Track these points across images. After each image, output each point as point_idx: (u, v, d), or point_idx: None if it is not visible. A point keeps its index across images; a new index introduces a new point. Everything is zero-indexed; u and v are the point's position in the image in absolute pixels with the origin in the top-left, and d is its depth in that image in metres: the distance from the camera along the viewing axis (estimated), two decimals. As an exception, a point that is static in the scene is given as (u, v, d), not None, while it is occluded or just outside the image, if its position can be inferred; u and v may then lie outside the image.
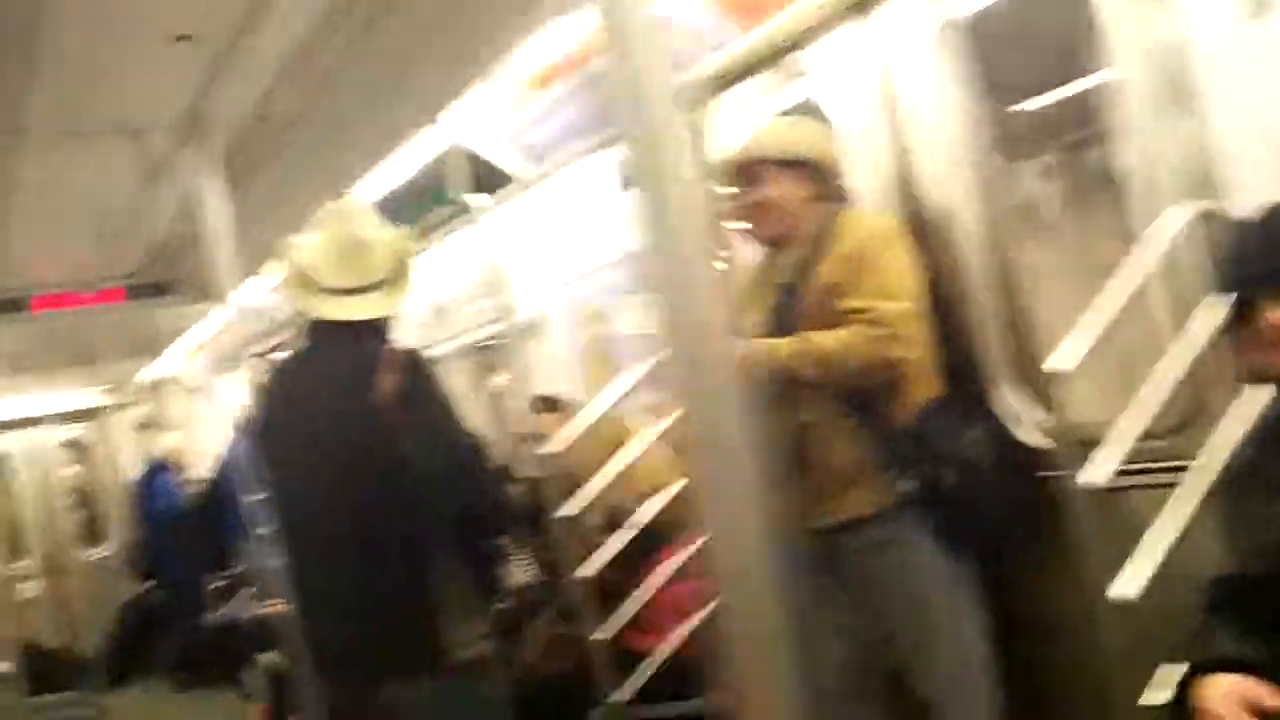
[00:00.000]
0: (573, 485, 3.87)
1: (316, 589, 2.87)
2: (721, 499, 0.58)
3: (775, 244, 3.06)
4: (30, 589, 9.92)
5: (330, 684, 2.97)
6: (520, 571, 4.25)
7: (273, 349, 4.99)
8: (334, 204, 2.96)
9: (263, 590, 6.69)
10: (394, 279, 2.90)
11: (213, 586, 7.91)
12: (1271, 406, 2.25)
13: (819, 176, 3.04)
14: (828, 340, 2.83)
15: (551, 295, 4.82)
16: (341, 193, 4.98)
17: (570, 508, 3.65)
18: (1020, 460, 2.91)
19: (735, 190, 3.00)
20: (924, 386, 2.86)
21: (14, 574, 9.27)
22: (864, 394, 2.89)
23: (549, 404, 4.16)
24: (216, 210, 3.74)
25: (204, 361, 9.51)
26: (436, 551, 2.75)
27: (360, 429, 2.70)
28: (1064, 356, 2.27)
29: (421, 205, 5.04)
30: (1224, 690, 1.73)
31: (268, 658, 6.59)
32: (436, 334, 5.56)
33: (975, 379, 3.01)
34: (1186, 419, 2.60)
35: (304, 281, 2.87)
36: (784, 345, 2.88)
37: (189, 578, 8.19)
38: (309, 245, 2.89)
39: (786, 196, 3.00)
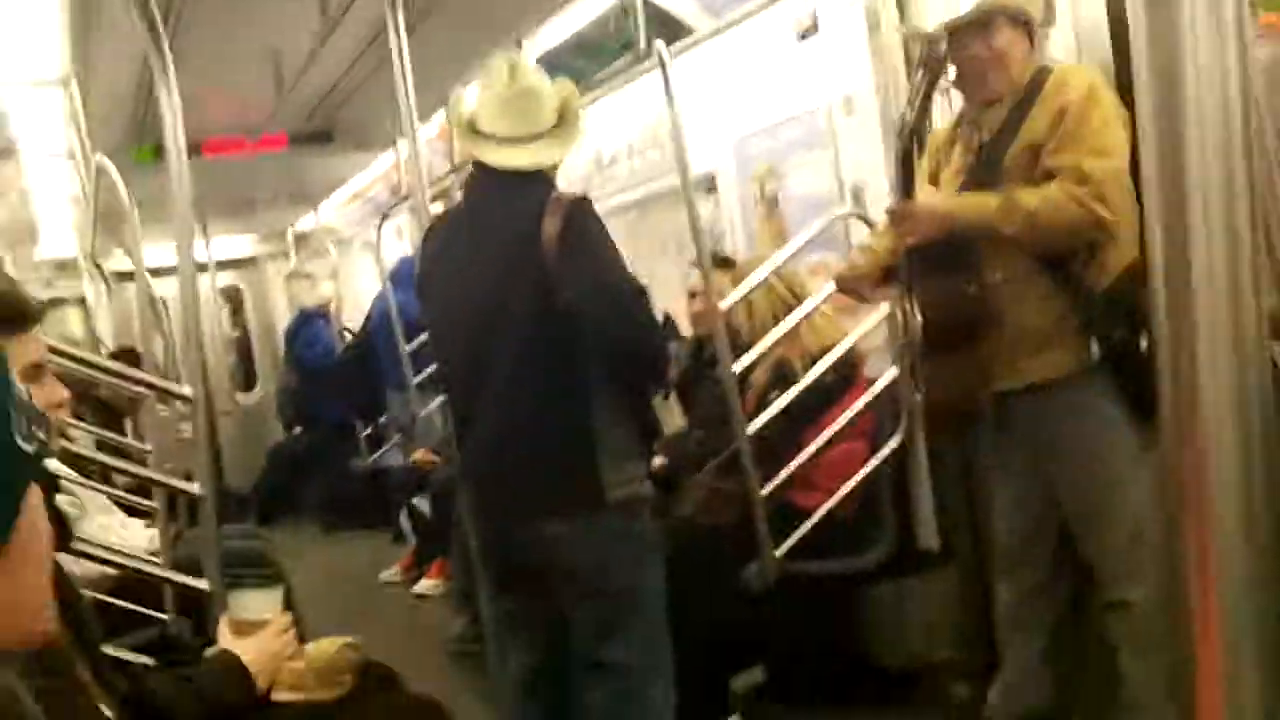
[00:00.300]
0: (741, 342, 3.89)
1: (475, 429, 2.94)
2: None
3: (988, 100, 2.98)
4: (186, 429, 10.27)
5: (486, 522, 3.05)
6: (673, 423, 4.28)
7: (434, 199, 5.03)
8: (500, 56, 2.96)
9: (411, 438, 6.92)
10: (561, 128, 2.91)
11: (363, 434, 8.17)
12: None
13: (1034, 34, 2.95)
14: (1033, 197, 2.77)
15: (724, 151, 4.78)
16: (515, 43, 4.99)
17: (740, 364, 3.67)
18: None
19: (959, 43, 2.90)
20: (1126, 249, 2.78)
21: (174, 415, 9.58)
22: (1062, 254, 2.83)
23: (721, 261, 4.14)
24: (397, 57, 3.75)
25: (360, 211, 9.67)
26: (596, 394, 2.79)
27: (524, 274, 2.73)
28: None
29: (596, 55, 5.01)
30: None
31: (415, 503, 6.83)
32: (604, 187, 5.56)
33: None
34: None
35: (471, 131, 2.89)
36: (990, 200, 2.82)
37: (339, 424, 8.47)
38: (476, 95, 2.91)
39: (1014, 52, 2.92)
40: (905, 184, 2.96)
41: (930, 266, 2.94)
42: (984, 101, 2.99)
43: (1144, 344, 2.78)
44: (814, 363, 3.82)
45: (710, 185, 4.84)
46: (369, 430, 8.16)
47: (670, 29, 4.55)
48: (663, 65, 3.43)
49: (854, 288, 3.30)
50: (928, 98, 2.80)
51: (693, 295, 4.20)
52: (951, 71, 2.85)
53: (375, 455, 8.03)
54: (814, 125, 4.19)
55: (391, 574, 6.93)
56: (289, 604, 2.62)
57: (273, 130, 6.94)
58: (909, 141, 2.93)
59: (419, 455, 6.59)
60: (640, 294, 2.83)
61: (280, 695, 2.31)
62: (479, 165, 2.91)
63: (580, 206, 2.76)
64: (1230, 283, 0.59)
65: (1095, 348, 2.84)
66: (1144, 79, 0.55)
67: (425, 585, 6.41)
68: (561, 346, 2.74)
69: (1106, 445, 2.87)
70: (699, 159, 4.75)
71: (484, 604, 3.76)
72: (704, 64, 4.69)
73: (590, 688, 2.90)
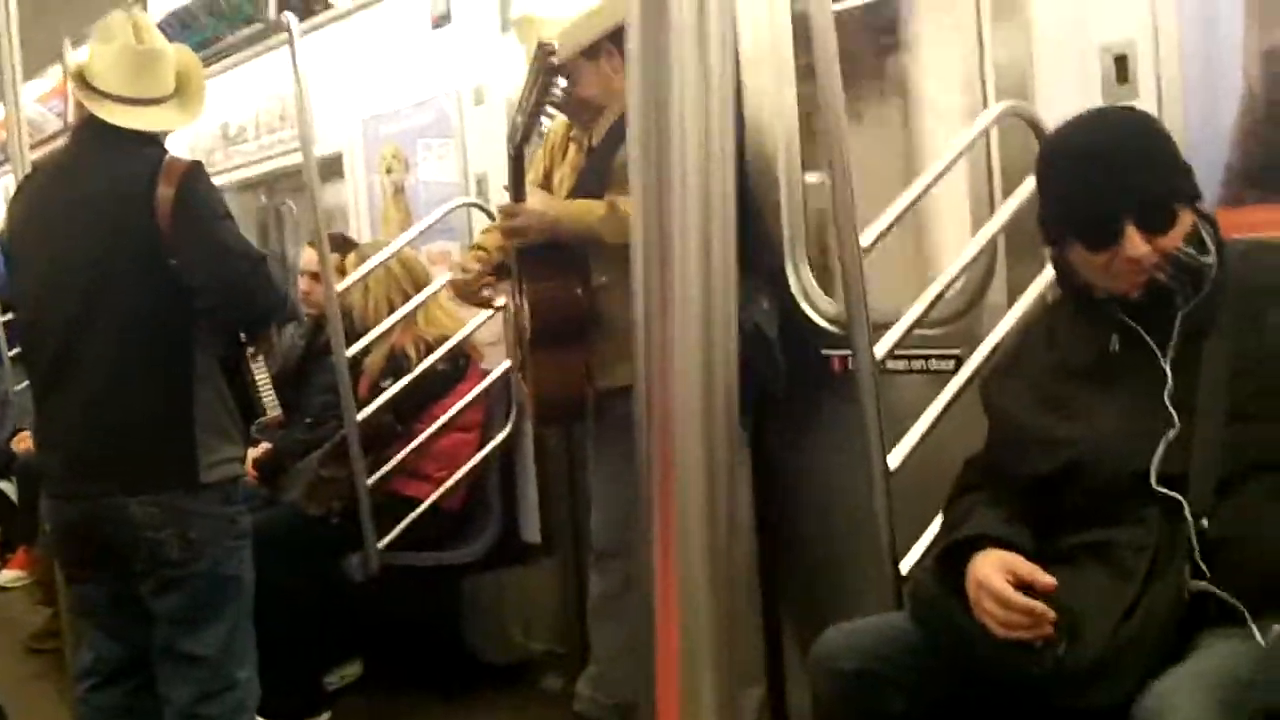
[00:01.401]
0: (358, 327, 3.82)
1: (64, 398, 2.74)
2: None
3: (594, 118, 3.05)
4: None
5: (67, 500, 2.83)
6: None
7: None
8: (118, 14, 2.81)
9: (4, 418, 6.38)
10: (182, 96, 2.82)
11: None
12: (1037, 307, 2.40)
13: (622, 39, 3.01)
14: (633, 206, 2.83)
15: (353, 132, 4.68)
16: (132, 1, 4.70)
17: (353, 349, 3.60)
18: (805, 337, 3.02)
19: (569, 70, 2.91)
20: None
21: None
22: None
23: (340, 243, 4.04)
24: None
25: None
26: (198, 367, 2.68)
27: (130, 238, 2.61)
28: (864, 238, 2.33)
29: (228, 19, 4.79)
30: (994, 562, 1.83)
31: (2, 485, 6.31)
32: (228, 160, 5.33)
33: (769, 255, 3.09)
34: (965, 310, 2.75)
35: (85, 86, 2.73)
36: (596, 208, 2.87)
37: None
38: (97, 53, 2.75)
39: (599, 85, 2.97)
40: (517, 186, 2.99)
41: (539, 266, 2.97)
42: (589, 120, 3.07)
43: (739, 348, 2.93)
44: (429, 351, 3.81)
45: (337, 166, 4.73)
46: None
47: (310, 3, 4.41)
48: (290, 38, 3.33)
49: (468, 294, 3.30)
50: (539, 103, 2.82)
51: (306, 275, 4.08)
52: (562, 83, 2.85)
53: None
54: (443, 112, 4.18)
55: (-31, 566, 6.40)
56: None
57: None
58: (520, 144, 2.95)
59: (25, 440, 6.07)
60: (257, 263, 2.72)
61: None
62: (90, 122, 2.74)
63: (196, 172, 2.67)
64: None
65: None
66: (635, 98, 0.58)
67: (6, 576, 6.00)
68: (165, 315, 2.62)
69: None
70: (328, 139, 4.65)
71: (63, 593, 3.52)
72: (338, 42, 4.59)
73: (169, 682, 2.75)
